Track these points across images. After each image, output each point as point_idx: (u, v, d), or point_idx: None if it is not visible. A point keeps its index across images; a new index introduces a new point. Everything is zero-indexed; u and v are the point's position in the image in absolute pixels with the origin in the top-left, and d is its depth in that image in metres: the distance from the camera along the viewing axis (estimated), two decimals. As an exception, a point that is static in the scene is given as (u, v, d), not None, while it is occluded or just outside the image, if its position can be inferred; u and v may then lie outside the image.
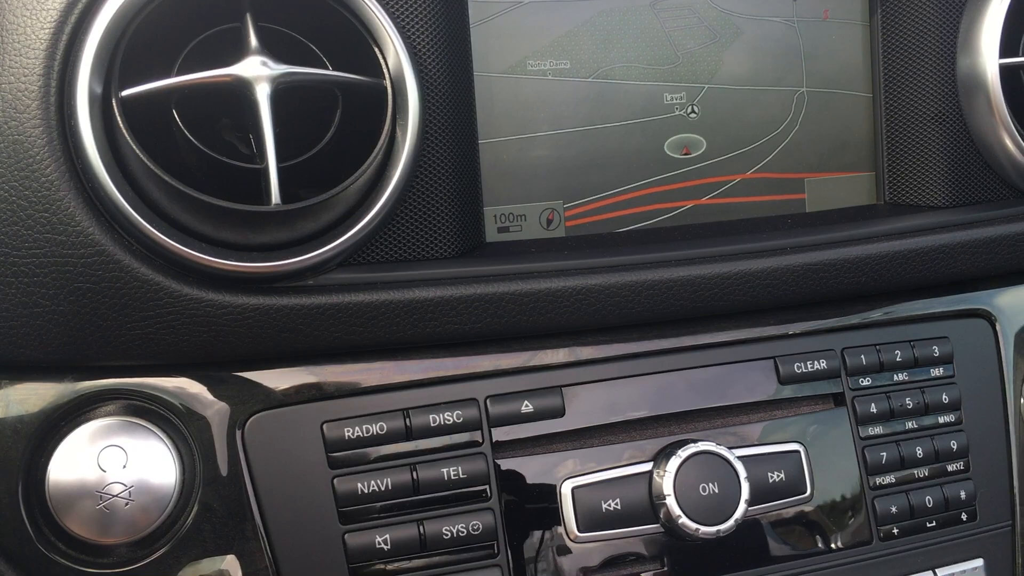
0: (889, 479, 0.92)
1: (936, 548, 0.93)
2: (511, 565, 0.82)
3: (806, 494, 0.89)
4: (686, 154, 0.96)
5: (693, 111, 0.96)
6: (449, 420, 0.82)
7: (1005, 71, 0.95)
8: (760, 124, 0.98)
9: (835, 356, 0.92)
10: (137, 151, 0.71)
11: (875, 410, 0.92)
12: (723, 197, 0.97)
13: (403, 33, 0.79)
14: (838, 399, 0.92)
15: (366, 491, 0.80)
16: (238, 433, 0.79)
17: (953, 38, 0.97)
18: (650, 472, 0.85)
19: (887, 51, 1.00)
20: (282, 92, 0.74)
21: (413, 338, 0.81)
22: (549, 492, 0.83)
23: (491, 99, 0.90)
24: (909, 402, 0.94)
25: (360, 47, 0.79)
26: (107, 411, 0.79)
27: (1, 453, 0.76)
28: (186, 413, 0.79)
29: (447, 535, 0.80)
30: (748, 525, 0.87)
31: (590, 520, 0.83)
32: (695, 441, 0.85)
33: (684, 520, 0.82)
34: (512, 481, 0.83)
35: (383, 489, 0.80)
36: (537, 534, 0.83)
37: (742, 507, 0.84)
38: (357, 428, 0.80)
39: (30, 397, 0.77)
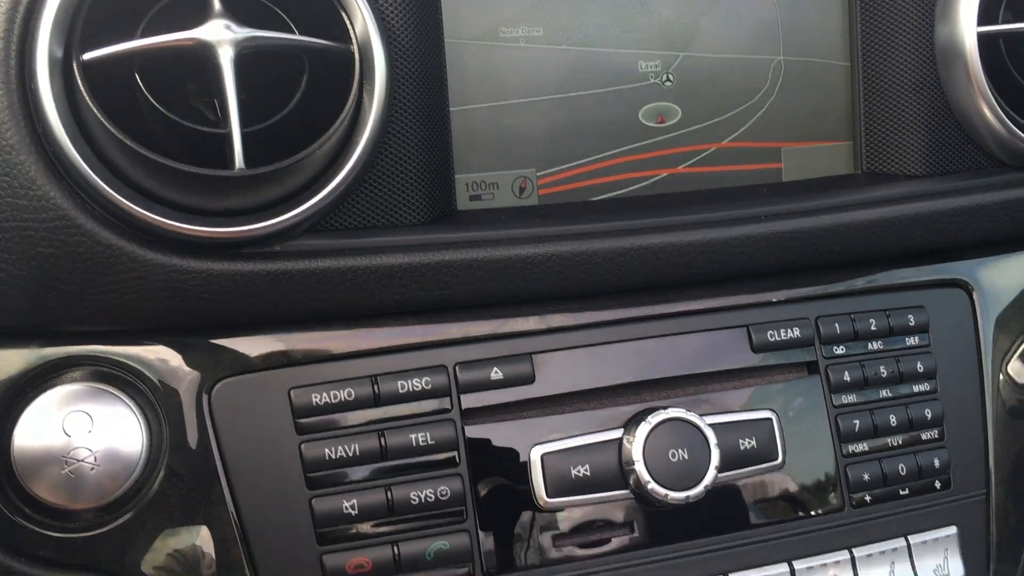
0: (862, 447, 0.92)
1: (909, 515, 0.93)
2: (479, 530, 0.82)
3: (777, 461, 0.89)
4: (661, 123, 0.96)
5: (668, 79, 0.95)
6: (418, 387, 0.82)
7: (983, 40, 0.95)
8: (736, 93, 0.97)
9: (809, 325, 0.92)
10: (98, 115, 0.71)
11: (849, 378, 0.92)
12: (698, 166, 0.97)
13: (370, -2, 0.79)
14: (811, 367, 0.92)
15: (333, 456, 0.80)
16: (205, 399, 0.79)
17: (931, 6, 0.97)
18: (620, 439, 0.85)
19: (865, 19, 0.99)
20: (247, 57, 0.74)
21: (381, 304, 0.80)
22: (518, 458, 0.83)
23: (462, 66, 0.89)
24: (883, 371, 0.94)
25: (327, 12, 0.79)
26: (73, 377, 0.78)
27: (-33, 419, 0.76)
28: (152, 379, 0.79)
29: (415, 500, 0.80)
30: (718, 491, 0.86)
31: (559, 486, 0.83)
32: (665, 408, 0.85)
33: (653, 486, 0.82)
34: (481, 447, 0.83)
35: (350, 455, 0.80)
36: (506, 500, 0.83)
37: (712, 473, 0.84)
38: (325, 394, 0.80)
39: (-5, 363, 0.78)
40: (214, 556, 0.78)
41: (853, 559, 0.89)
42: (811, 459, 0.90)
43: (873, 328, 0.94)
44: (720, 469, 0.85)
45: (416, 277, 0.80)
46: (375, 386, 0.81)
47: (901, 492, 0.93)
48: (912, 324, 0.96)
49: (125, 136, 0.71)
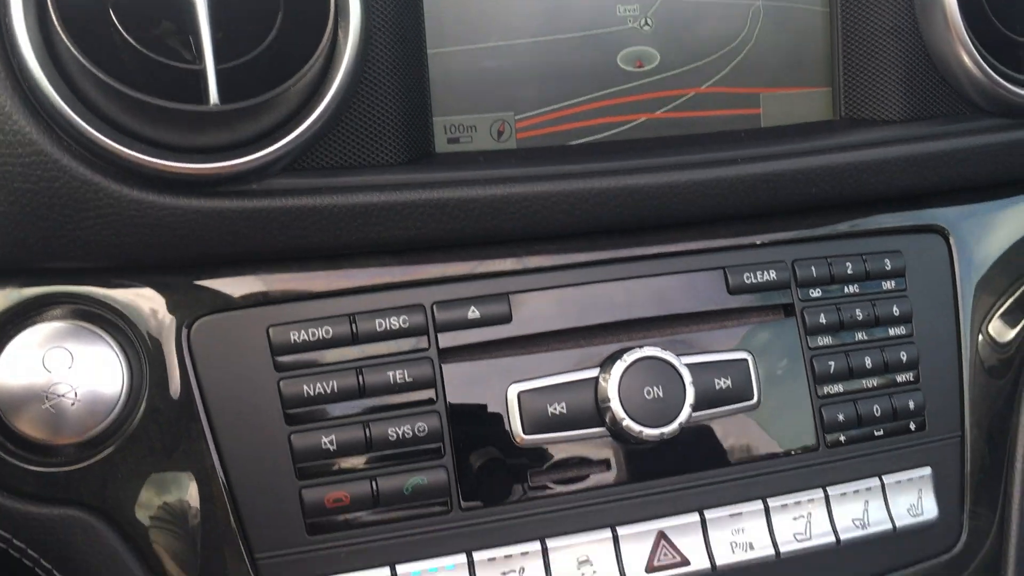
0: (837, 388, 0.93)
1: (883, 456, 0.94)
2: (456, 466, 0.83)
3: (753, 401, 0.90)
4: (639, 67, 0.96)
5: (646, 23, 0.96)
6: (395, 325, 0.83)
7: (961, -16, 0.95)
8: (715, 38, 0.98)
9: (785, 268, 0.93)
10: (72, 48, 0.71)
11: (824, 321, 0.93)
12: (677, 111, 0.97)
13: (346, -65, 0.79)
14: (788, 310, 0.93)
15: (311, 393, 0.80)
16: (184, 337, 0.80)
17: (910, -50, 0.97)
18: (596, 378, 0.85)
19: (844, -35, 0.99)
20: (221, -8, 0.74)
21: (358, 243, 0.81)
22: (495, 396, 0.84)
23: (441, 8, 0.89)
24: (859, 314, 0.94)
25: (302, -52, 0.79)
26: (53, 315, 0.79)
27: (-52, 355, 0.77)
28: (131, 317, 0.80)
29: (393, 436, 0.81)
30: (693, 429, 0.88)
31: (535, 423, 0.84)
32: (641, 347, 0.86)
33: (628, 423, 0.83)
34: (458, 385, 0.84)
35: (328, 392, 0.81)
36: (483, 437, 0.84)
37: (686, 411, 0.85)
38: (303, 332, 0.81)
39: (-25, 302, 0.78)
40: (194, 491, 0.79)
41: (827, 497, 0.91)
42: (786, 400, 0.91)
43: (849, 272, 0.95)
44: (695, 408, 0.86)
45: (392, 216, 0.81)
46: (353, 325, 0.82)
47: (876, 433, 0.94)
48: (888, 268, 0.97)
49: (99, 69, 0.71)
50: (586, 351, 0.87)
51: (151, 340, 0.80)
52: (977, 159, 0.97)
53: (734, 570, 0.87)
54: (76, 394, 0.78)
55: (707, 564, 0.86)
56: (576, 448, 0.85)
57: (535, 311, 0.86)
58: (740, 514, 0.88)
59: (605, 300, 0.88)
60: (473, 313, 0.84)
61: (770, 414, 0.91)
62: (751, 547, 0.88)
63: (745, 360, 0.90)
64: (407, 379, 0.82)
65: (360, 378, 0.81)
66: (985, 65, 0.96)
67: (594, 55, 0.94)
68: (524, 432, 0.84)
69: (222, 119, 0.75)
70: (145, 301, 0.80)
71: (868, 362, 0.94)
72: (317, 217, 0.79)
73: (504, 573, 0.82)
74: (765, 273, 0.92)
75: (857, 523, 0.91)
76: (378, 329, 0.82)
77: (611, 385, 0.84)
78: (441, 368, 0.83)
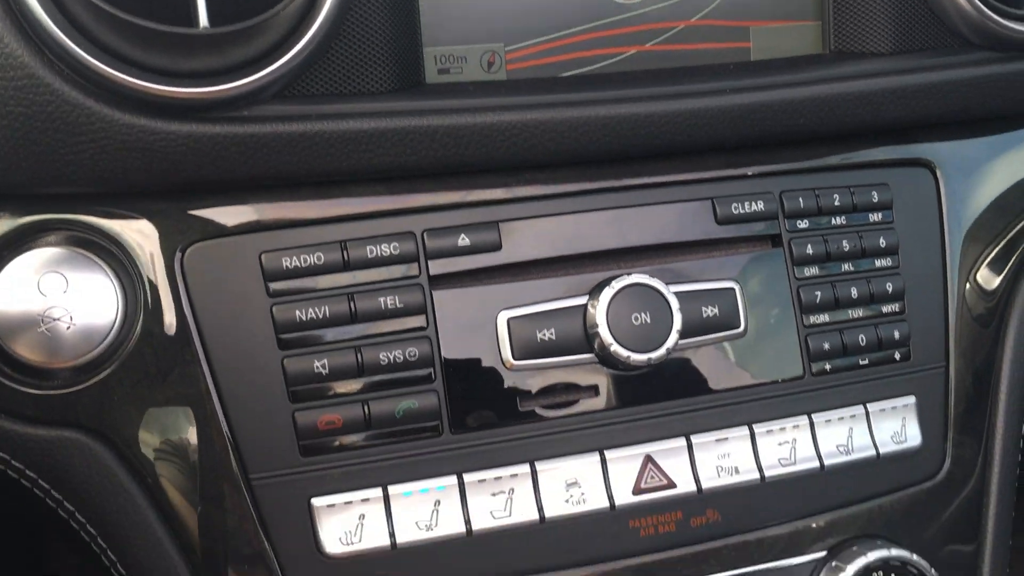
0: (823, 318, 0.94)
1: (868, 384, 0.95)
2: (447, 390, 0.84)
3: (739, 329, 0.91)
4: None
5: (637, -44, 0.96)
6: (386, 252, 0.84)
7: (952, -86, 0.95)
8: (705, -30, 0.98)
9: (773, 199, 0.94)
10: (62, -30, 0.71)
11: (811, 252, 0.94)
12: (666, 44, 0.98)
13: None
14: (775, 240, 0.94)
15: (304, 318, 0.82)
16: (177, 262, 0.81)
17: None
18: (584, 304, 0.87)
19: None
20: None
21: (348, 170, 0.82)
22: (485, 322, 0.85)
23: (430, -62, 0.90)
24: (846, 245, 0.95)
25: None
26: (48, 241, 0.80)
27: (-57, 281, 0.78)
28: (125, 243, 0.81)
29: (384, 361, 0.83)
30: (680, 356, 0.89)
31: (525, 349, 0.85)
32: (629, 274, 0.87)
33: (616, 348, 0.85)
34: (448, 311, 0.85)
35: (320, 317, 0.82)
36: (473, 362, 0.85)
37: (673, 337, 0.86)
38: (295, 258, 0.82)
39: (-30, 228, 0.79)
40: (189, 413, 0.81)
41: (812, 424, 0.92)
42: (773, 328, 0.93)
43: (836, 203, 0.96)
44: (682, 335, 0.87)
45: (382, 143, 0.81)
46: (344, 252, 0.83)
47: (861, 362, 0.95)
48: (876, 201, 0.98)
49: (86, -10, 0.72)
50: (575, 279, 0.88)
51: (145, 266, 0.81)
52: (965, 92, 0.97)
53: (719, 493, 0.89)
54: (71, 318, 0.79)
55: (693, 487, 0.88)
56: (565, 374, 0.87)
57: (525, 239, 0.87)
58: (726, 439, 0.90)
59: (594, 229, 0.89)
60: (463, 241, 0.85)
61: (756, 342, 0.92)
62: (736, 471, 0.89)
63: (732, 289, 0.91)
64: (398, 305, 0.83)
65: (352, 304, 0.83)
66: (975, -2, 0.96)
67: (584, -13, 0.94)
68: (513, 357, 0.85)
69: (212, 43, 0.76)
70: (139, 227, 0.81)
71: (854, 293, 0.95)
72: (307, 144, 0.80)
73: (494, 494, 0.84)
74: (753, 204, 0.93)
75: (841, 449, 0.93)
76: (369, 256, 0.83)
77: (599, 311, 0.85)
78: (431, 295, 0.84)
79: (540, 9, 0.93)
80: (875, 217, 0.98)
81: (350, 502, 0.82)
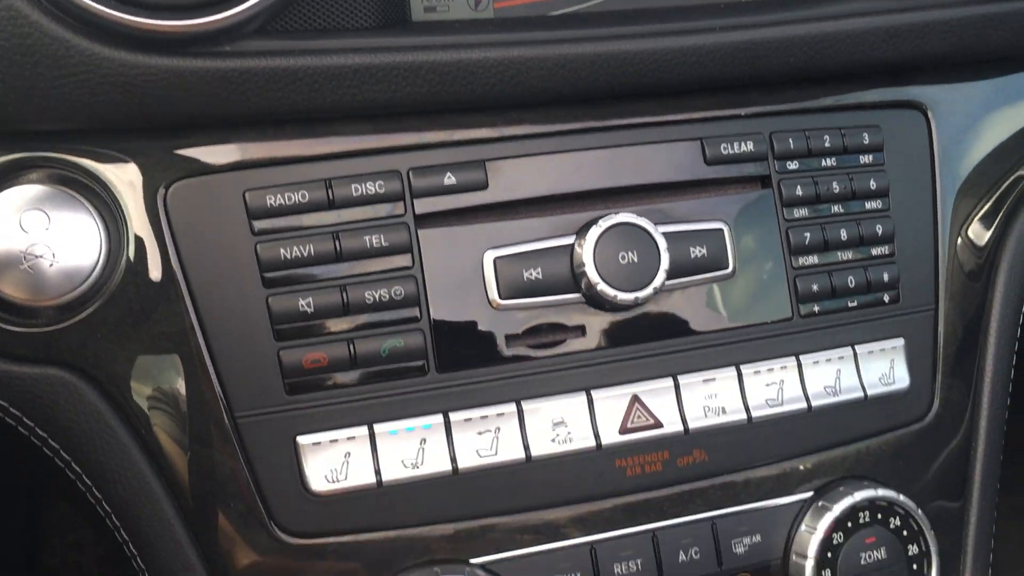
0: (812, 260, 0.94)
1: (857, 326, 0.95)
2: (433, 329, 0.84)
3: (728, 270, 0.90)
4: (619, -63, 0.95)
5: None
6: (371, 191, 0.83)
7: None
8: (695, -92, 0.96)
9: (763, 139, 0.93)
10: (37, -102, 0.70)
11: (801, 193, 0.94)
12: (657, -18, 0.96)
13: None
14: (764, 181, 0.93)
15: (288, 257, 0.81)
16: (160, 200, 0.80)
17: None
18: (571, 244, 0.86)
19: None
20: None
21: (333, 107, 0.81)
22: (471, 262, 0.85)
23: None
24: (836, 187, 0.95)
25: None
26: (30, 179, 0.79)
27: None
28: (108, 181, 0.80)
29: (369, 300, 0.82)
30: (668, 297, 0.89)
31: (511, 288, 0.85)
32: (616, 214, 0.86)
33: (603, 287, 0.84)
34: (434, 251, 0.84)
35: (305, 255, 0.81)
36: (459, 301, 0.85)
37: (661, 277, 0.86)
38: (279, 196, 0.81)
39: (-48, 165, 0.78)
40: (173, 351, 0.80)
41: (800, 365, 0.92)
42: (761, 270, 0.92)
43: (827, 145, 0.95)
44: (670, 275, 0.87)
45: (366, 80, 0.80)
46: (329, 190, 0.82)
47: (849, 304, 0.95)
48: (867, 143, 0.97)
49: (64, -80, 0.71)
50: (562, 218, 0.87)
51: (128, 204, 0.80)
52: (958, 32, 0.96)
53: (706, 433, 0.89)
54: (54, 255, 0.78)
55: (680, 427, 0.88)
56: (552, 314, 0.86)
57: (512, 178, 0.86)
58: (713, 379, 0.90)
59: (582, 168, 0.88)
60: (449, 179, 0.85)
61: (745, 284, 0.91)
62: (723, 411, 0.89)
63: (721, 230, 0.90)
64: (383, 244, 0.83)
65: (337, 243, 0.82)
66: (967, -64, 0.95)
67: (573, -77, 0.93)
68: (500, 297, 0.85)
69: (192, -25, 0.75)
70: (121, 165, 0.80)
71: (843, 234, 0.94)
72: (290, 79, 0.79)
73: (480, 433, 0.84)
74: (742, 144, 0.92)
75: (829, 390, 0.93)
76: (354, 194, 0.83)
77: (586, 251, 0.85)
78: (417, 233, 0.84)
79: (528, -54, 0.92)
80: (866, 159, 0.97)
81: (336, 440, 0.82)
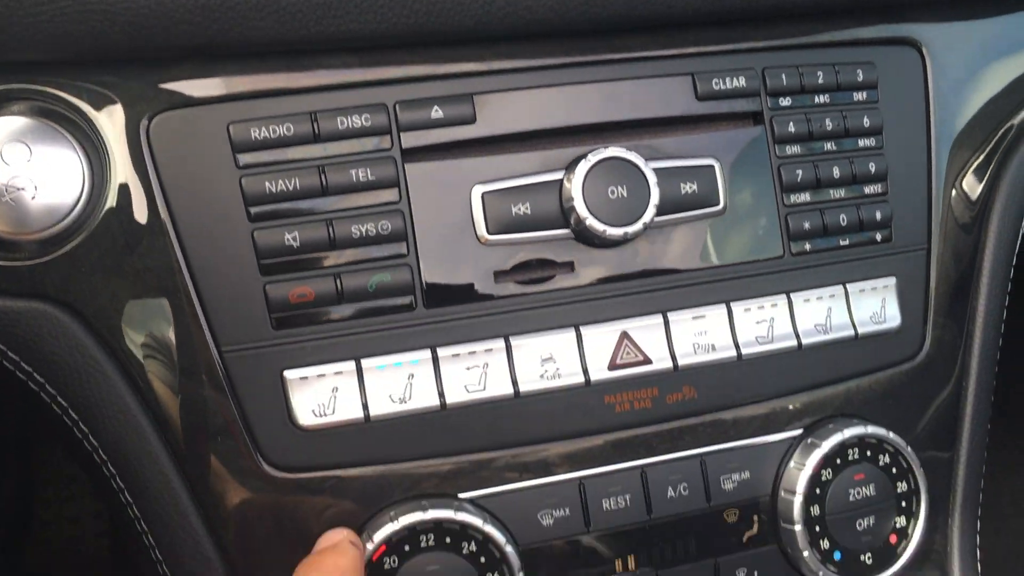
0: (804, 197, 0.93)
1: (848, 265, 0.94)
2: (420, 264, 0.83)
3: (719, 207, 0.90)
4: None
5: None
6: (357, 124, 0.82)
7: None
8: None
9: (755, 75, 0.92)
10: None
11: (793, 130, 0.93)
12: (648, -84, 0.94)
13: None
14: (756, 118, 0.92)
15: (274, 190, 0.80)
16: (143, 131, 0.79)
17: None
18: (560, 179, 0.85)
19: None
20: None
21: (317, 37, 0.79)
22: (459, 197, 0.84)
23: None
24: (829, 124, 0.94)
25: None
26: (11, 111, 0.78)
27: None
28: (90, 113, 0.79)
29: (356, 234, 0.82)
30: (658, 232, 0.88)
31: (499, 223, 0.84)
32: (606, 147, 0.85)
33: (592, 221, 0.83)
34: (421, 185, 0.83)
35: (291, 189, 0.81)
36: (447, 236, 0.84)
37: (650, 212, 0.85)
38: (264, 129, 0.80)
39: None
40: (158, 285, 0.80)
41: (790, 303, 0.92)
42: (753, 207, 0.91)
43: (820, 81, 0.94)
44: (660, 211, 0.86)
45: (351, 9, 0.79)
46: (314, 123, 0.81)
47: (841, 243, 0.94)
48: (860, 80, 0.96)
49: None
50: (551, 153, 0.86)
51: (110, 136, 0.79)
52: (953, -36, 0.95)
53: (696, 370, 0.89)
54: (36, 188, 0.77)
55: (669, 364, 0.88)
56: (540, 249, 0.86)
57: (500, 112, 0.85)
58: (703, 316, 0.89)
59: (571, 103, 0.87)
60: (436, 113, 0.84)
61: (736, 221, 0.91)
62: (713, 348, 0.89)
63: (712, 166, 0.89)
64: (370, 178, 0.82)
65: (322, 177, 0.81)
66: None
67: None
68: (488, 232, 0.84)
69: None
70: (104, 97, 0.79)
71: (836, 172, 0.94)
72: (274, 8, 0.77)
73: (468, 368, 0.84)
74: (735, 80, 0.91)
75: (819, 328, 0.92)
76: (340, 127, 0.82)
77: (575, 185, 0.84)
78: (404, 168, 0.83)
79: None
80: (860, 96, 0.96)
81: (323, 375, 0.81)
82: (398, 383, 0.82)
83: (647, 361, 0.87)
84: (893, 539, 0.94)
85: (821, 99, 0.94)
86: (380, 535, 0.81)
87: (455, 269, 0.84)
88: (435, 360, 0.83)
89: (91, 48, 0.77)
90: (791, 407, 0.93)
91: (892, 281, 0.96)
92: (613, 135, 0.88)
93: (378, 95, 0.83)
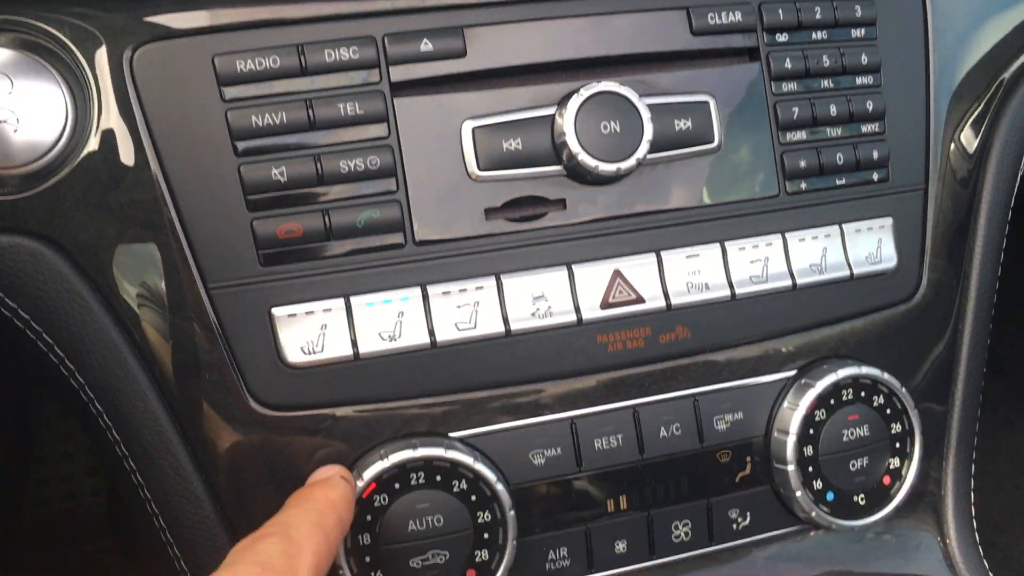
0: (800, 135, 0.92)
1: (844, 205, 0.93)
2: (410, 200, 0.82)
3: (713, 144, 0.88)
4: None
5: None
6: (345, 57, 0.80)
7: None
8: None
9: (751, 10, 0.90)
10: None
11: (790, 66, 0.91)
12: None
13: None
14: (752, 54, 0.91)
15: (260, 124, 0.79)
16: (127, 63, 0.78)
17: None
18: (552, 115, 0.84)
19: None
20: None
21: (303, -33, 0.78)
22: (449, 132, 0.83)
23: None
24: (826, 60, 0.92)
25: None
26: (-9, 42, 0.77)
27: None
28: (73, 45, 0.77)
29: (344, 170, 0.80)
30: (651, 170, 0.87)
31: (490, 159, 0.83)
32: (598, 82, 0.84)
33: (584, 156, 0.82)
34: (411, 120, 0.82)
35: (277, 123, 0.79)
36: (437, 172, 0.83)
37: (644, 148, 0.84)
38: (249, 61, 0.79)
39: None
40: (143, 219, 0.79)
41: (785, 242, 0.90)
42: (748, 145, 0.90)
43: (818, 17, 0.92)
44: (653, 147, 0.85)
45: (338, -63, 0.77)
46: (301, 56, 0.80)
47: (837, 182, 0.93)
48: (859, 16, 0.94)
49: None
50: (543, 88, 0.85)
51: (93, 68, 0.78)
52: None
53: (689, 310, 0.88)
54: (18, 121, 0.76)
55: (662, 303, 0.87)
56: (532, 186, 0.85)
57: (491, 46, 0.84)
58: (697, 255, 0.88)
59: (564, 37, 0.85)
60: (426, 46, 0.82)
61: (731, 159, 0.89)
62: (707, 287, 0.88)
63: (706, 103, 0.88)
64: (358, 112, 0.80)
65: (310, 111, 0.80)
66: None
67: None
68: (479, 168, 0.83)
69: None
70: (86, 29, 0.78)
71: (833, 110, 0.92)
72: (258, -64, 0.76)
73: (459, 306, 0.83)
74: (730, 15, 0.89)
75: (814, 268, 0.91)
76: (327, 60, 0.80)
77: (567, 120, 0.82)
78: (393, 102, 0.82)
79: None
80: (858, 33, 0.94)
81: (311, 312, 0.80)
82: (388, 321, 0.82)
83: (640, 300, 0.86)
84: (887, 480, 0.94)
85: (818, 35, 0.92)
86: (370, 473, 0.81)
87: (445, 206, 0.83)
88: (425, 298, 0.82)
89: (71, -23, 0.75)
90: (785, 348, 0.92)
91: (888, 221, 0.95)
92: (606, 70, 0.87)
93: (366, 27, 0.81)
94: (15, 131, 0.76)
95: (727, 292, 0.88)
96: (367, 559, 0.81)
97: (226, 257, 0.79)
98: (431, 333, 0.82)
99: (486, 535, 0.83)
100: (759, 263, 0.90)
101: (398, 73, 0.82)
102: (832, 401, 0.91)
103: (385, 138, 0.81)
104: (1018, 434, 1.78)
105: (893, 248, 0.95)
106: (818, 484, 0.91)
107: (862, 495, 0.93)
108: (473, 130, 0.83)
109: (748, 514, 0.92)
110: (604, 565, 0.89)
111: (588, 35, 0.86)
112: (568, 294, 0.85)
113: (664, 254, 0.87)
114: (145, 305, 0.80)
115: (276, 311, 0.80)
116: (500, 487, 0.83)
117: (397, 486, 0.81)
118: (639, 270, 0.87)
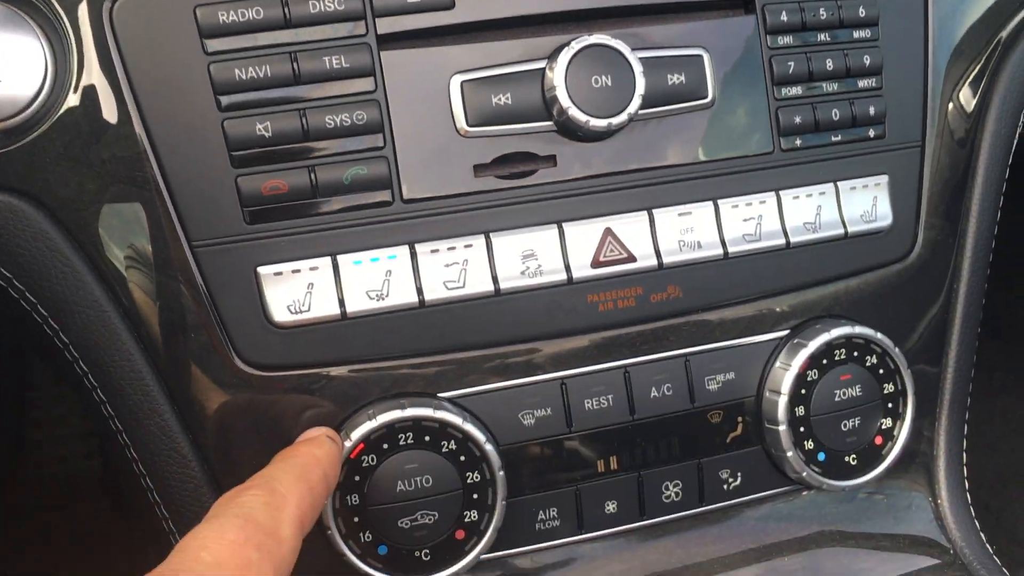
0: (795, 91, 0.90)
1: (840, 162, 0.92)
2: (397, 157, 0.80)
3: (707, 99, 0.87)
4: None
5: None
6: (330, 7, 0.78)
7: None
8: None
9: (747, -38, 0.88)
10: None
11: (785, 19, 0.89)
12: None
13: None
14: (748, 7, 0.89)
15: (244, 78, 0.77)
16: (106, 14, 0.76)
17: None
18: (543, 69, 0.82)
19: None
20: None
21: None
22: (437, 86, 0.81)
23: None
24: (823, 13, 0.90)
25: None
26: (-34, -7, 0.75)
27: None
28: (50, -3, 0.76)
29: (330, 124, 0.79)
30: (643, 126, 0.85)
31: (479, 115, 0.81)
32: (590, 35, 0.82)
33: (574, 111, 0.81)
34: (398, 74, 0.80)
35: (262, 76, 0.77)
36: (425, 127, 0.81)
37: (636, 102, 0.82)
38: (232, 12, 0.77)
39: None
40: (125, 175, 0.77)
41: (779, 200, 0.89)
42: (742, 100, 0.88)
43: (815, -30, 0.90)
44: (646, 102, 0.83)
45: None
46: (285, 7, 0.78)
47: (833, 138, 0.91)
48: (857, -31, 0.92)
49: None
50: (533, 41, 0.83)
51: (71, 20, 0.76)
52: None
53: (681, 268, 0.87)
54: (-4, 74, 0.74)
55: (654, 261, 0.86)
56: (522, 142, 0.83)
57: (479, -2, 0.82)
58: (689, 213, 0.87)
59: (554, -12, 0.83)
60: (413, -3, 0.80)
61: (724, 114, 0.88)
62: (699, 246, 0.87)
63: (700, 56, 0.86)
64: (344, 66, 0.79)
65: (295, 64, 0.78)
66: None
67: None
68: (467, 124, 0.81)
69: None
70: (63, -20, 0.76)
71: (829, 65, 0.90)
72: None
73: (447, 265, 0.82)
74: (725, -34, 0.87)
75: (808, 227, 0.90)
76: (312, 11, 0.78)
77: (557, 74, 0.81)
78: (380, 55, 0.80)
79: None
80: (855, -14, 0.92)
81: (298, 271, 0.79)
82: (375, 279, 0.80)
83: (631, 258, 0.85)
84: (878, 441, 0.93)
85: (815, -10, 0.91)
86: (358, 433, 0.80)
87: (433, 162, 0.81)
88: (413, 256, 0.81)
89: (48, -75, 0.73)
90: (778, 308, 0.91)
91: (884, 179, 0.93)
92: (598, 23, 0.85)
93: (352, -22, 0.79)
94: (-6, 85, 0.74)
95: (720, 251, 0.87)
96: (356, 519, 0.81)
97: (211, 214, 0.78)
98: (419, 292, 0.81)
99: (475, 496, 0.82)
100: (752, 221, 0.88)
101: (384, 25, 0.80)
102: (825, 361, 0.90)
103: (372, 92, 0.80)
104: (1013, 397, 1.78)
105: (888, 206, 0.93)
106: (809, 444, 0.90)
107: (853, 455, 0.92)
108: (462, 84, 0.81)
109: (739, 474, 0.92)
110: (594, 525, 0.89)
111: (579, -13, 0.84)
112: (558, 253, 0.84)
113: (656, 212, 0.86)
114: (129, 263, 0.79)
115: (262, 270, 0.79)
116: (489, 447, 0.82)
117: (386, 446, 0.81)
118: (631, 228, 0.85)
